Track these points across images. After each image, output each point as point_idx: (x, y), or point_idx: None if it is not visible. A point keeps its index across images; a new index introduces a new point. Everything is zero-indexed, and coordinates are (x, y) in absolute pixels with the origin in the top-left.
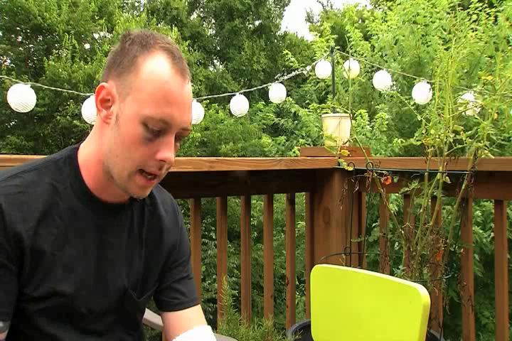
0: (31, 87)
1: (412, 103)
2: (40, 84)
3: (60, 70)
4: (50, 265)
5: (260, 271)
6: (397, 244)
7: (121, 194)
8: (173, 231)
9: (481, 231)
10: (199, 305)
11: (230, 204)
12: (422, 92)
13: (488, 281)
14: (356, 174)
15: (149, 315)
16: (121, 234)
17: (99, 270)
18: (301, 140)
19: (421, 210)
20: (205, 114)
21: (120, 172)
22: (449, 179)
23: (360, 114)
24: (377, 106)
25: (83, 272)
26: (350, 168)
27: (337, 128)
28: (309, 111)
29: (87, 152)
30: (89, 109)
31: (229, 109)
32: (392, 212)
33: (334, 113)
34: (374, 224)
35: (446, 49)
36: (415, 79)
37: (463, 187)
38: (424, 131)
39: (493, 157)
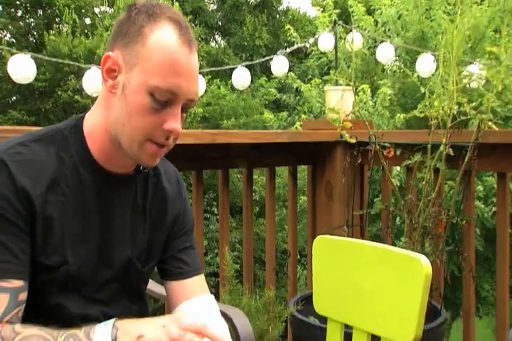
0: (31, 57)
1: (415, 76)
2: (40, 55)
3: (61, 45)
4: (60, 234)
5: (262, 245)
6: (398, 218)
7: (126, 164)
8: (176, 202)
9: (482, 206)
10: (202, 275)
11: (232, 179)
12: (425, 65)
13: (488, 255)
14: (359, 147)
15: (153, 286)
16: (125, 205)
17: (104, 240)
18: (303, 115)
19: (423, 182)
20: (206, 90)
21: (129, 142)
22: (452, 151)
23: (362, 89)
24: (380, 82)
25: (89, 242)
26: (353, 140)
27: (340, 101)
28: (311, 87)
29: (92, 121)
30: (90, 81)
31: (231, 85)
32: (395, 184)
33: (337, 86)
34: (376, 199)
35: (452, 21)
36: (418, 54)
37: (466, 160)
38: (427, 103)
39: (496, 129)
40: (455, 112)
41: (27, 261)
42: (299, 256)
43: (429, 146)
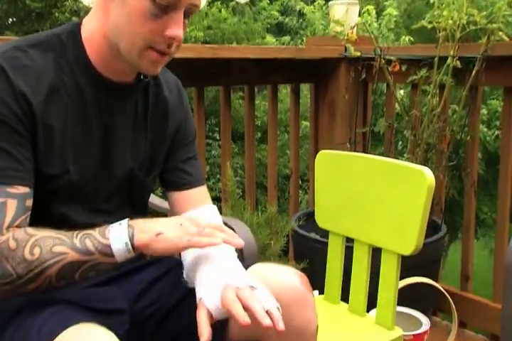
0: None
1: None
2: None
3: None
4: (61, 144)
5: (264, 170)
6: (401, 141)
7: (126, 72)
8: (178, 112)
9: (485, 129)
10: (205, 186)
11: (234, 105)
12: None
13: (488, 179)
14: (363, 62)
15: (157, 200)
16: (126, 114)
17: (106, 150)
18: (305, 39)
19: (429, 97)
20: (207, 13)
21: (129, 48)
22: (459, 64)
23: (367, 10)
24: (386, 3)
25: (91, 152)
26: (358, 54)
27: (345, 15)
28: (315, 9)
29: (90, 27)
30: None
31: (232, 8)
32: (399, 99)
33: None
34: (380, 120)
35: None
36: None
37: (473, 74)
38: (436, 13)
39: (507, 39)
40: (464, 22)
41: (31, 168)
42: (300, 182)
43: (435, 60)
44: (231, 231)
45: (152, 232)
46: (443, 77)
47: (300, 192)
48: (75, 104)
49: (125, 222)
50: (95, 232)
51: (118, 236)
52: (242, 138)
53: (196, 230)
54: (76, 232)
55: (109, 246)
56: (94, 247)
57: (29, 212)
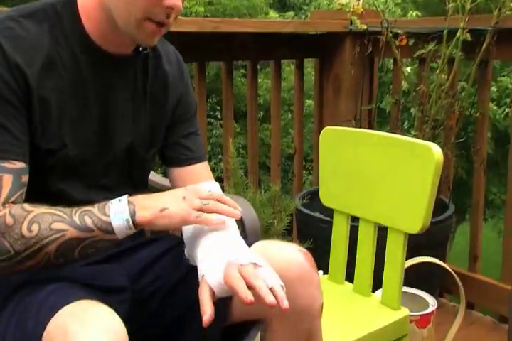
0: None
1: None
2: None
3: None
4: (57, 118)
5: (266, 150)
6: (407, 120)
7: (124, 44)
8: (178, 85)
9: (495, 107)
10: (207, 163)
11: (236, 83)
12: None
13: (498, 159)
14: (369, 36)
15: (157, 178)
16: (124, 88)
17: (104, 125)
18: (309, 14)
19: (437, 72)
20: None
21: (126, 21)
22: (469, 36)
23: None
24: None
25: (88, 127)
26: (364, 26)
27: None
28: None
29: None
30: None
31: None
32: (405, 74)
33: None
34: (386, 96)
35: None
36: None
37: (484, 47)
38: None
39: None
40: None
41: (27, 142)
42: (304, 162)
43: (444, 33)
44: (232, 201)
45: (155, 208)
46: (452, 50)
47: (303, 172)
48: (71, 77)
49: (125, 198)
50: (94, 209)
51: (118, 213)
52: (244, 118)
53: (199, 203)
54: (75, 209)
55: (109, 223)
56: (93, 224)
57: (25, 188)
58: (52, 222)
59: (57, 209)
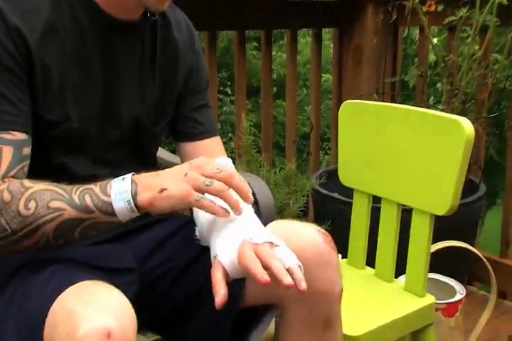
0: None
1: None
2: None
3: None
4: (60, 86)
5: (280, 129)
6: (433, 95)
7: (131, 9)
8: (189, 55)
9: None
10: (218, 138)
11: (247, 57)
12: None
13: None
14: (394, 1)
15: (164, 154)
16: (131, 56)
17: (109, 95)
18: None
19: (469, 40)
20: None
21: None
22: (505, 0)
23: None
24: None
25: (93, 97)
26: None
27: None
28: None
29: None
30: None
31: None
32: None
33: None
34: (411, 68)
35: None
36: None
37: None
38: None
39: None
40: None
41: (28, 112)
42: (320, 142)
43: None
44: (243, 180)
45: (156, 188)
46: (486, 16)
47: (320, 152)
48: (74, 43)
49: (129, 176)
50: (96, 187)
51: (120, 193)
52: (256, 94)
53: (201, 182)
54: (76, 186)
55: (110, 203)
56: (93, 204)
57: (27, 162)
58: (51, 200)
59: (58, 186)
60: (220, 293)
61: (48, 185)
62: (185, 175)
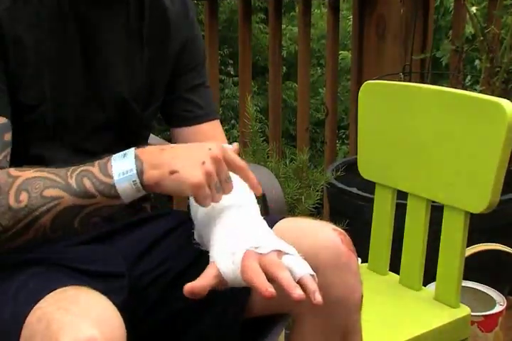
0: None
1: None
2: None
3: None
4: (35, 62)
5: (290, 115)
6: (469, 74)
7: None
8: (182, 26)
9: None
10: (218, 121)
11: (254, 31)
12: None
13: None
14: None
15: (156, 141)
16: (114, 28)
17: (90, 73)
18: None
19: None
20: None
21: None
22: None
23: None
24: None
25: (71, 75)
26: None
27: None
28: None
29: None
30: None
31: None
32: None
33: None
34: (444, 42)
35: None
36: None
37: None
38: None
39: None
40: None
41: (5, 93)
42: (337, 129)
43: None
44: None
45: (165, 168)
46: None
47: (336, 141)
48: (50, 13)
49: (131, 152)
50: (95, 168)
51: (123, 173)
52: (262, 74)
53: (216, 183)
54: (71, 169)
55: (113, 185)
56: (94, 188)
57: (9, 149)
58: (44, 188)
59: (50, 171)
60: (196, 285)
61: (37, 171)
62: (203, 163)
